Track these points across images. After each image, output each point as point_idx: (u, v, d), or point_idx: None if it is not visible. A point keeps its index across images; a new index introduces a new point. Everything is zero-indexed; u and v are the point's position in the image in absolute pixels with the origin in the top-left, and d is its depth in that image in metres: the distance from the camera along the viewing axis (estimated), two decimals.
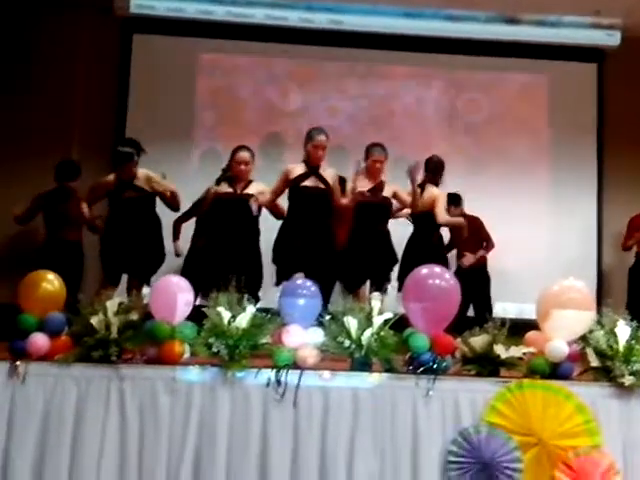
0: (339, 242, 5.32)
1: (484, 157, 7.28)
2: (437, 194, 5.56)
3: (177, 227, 6.16)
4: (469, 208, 6.40)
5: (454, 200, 6.08)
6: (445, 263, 5.38)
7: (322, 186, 5.15)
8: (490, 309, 6.13)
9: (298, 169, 5.20)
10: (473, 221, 6.34)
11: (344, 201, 5.24)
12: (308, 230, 5.05)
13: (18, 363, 3.46)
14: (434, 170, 5.66)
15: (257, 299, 4.67)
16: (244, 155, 5.29)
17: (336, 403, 3.42)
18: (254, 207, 5.16)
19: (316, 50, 7.24)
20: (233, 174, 5.29)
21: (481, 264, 6.38)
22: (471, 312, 6.07)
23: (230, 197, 5.24)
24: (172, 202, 5.39)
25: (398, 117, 7.27)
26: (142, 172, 5.32)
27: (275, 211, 5.40)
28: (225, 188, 5.28)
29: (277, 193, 5.28)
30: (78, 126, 6.97)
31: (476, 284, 6.13)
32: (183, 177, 6.45)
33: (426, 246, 5.52)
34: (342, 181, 5.38)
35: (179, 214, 5.91)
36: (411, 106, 7.32)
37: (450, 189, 5.93)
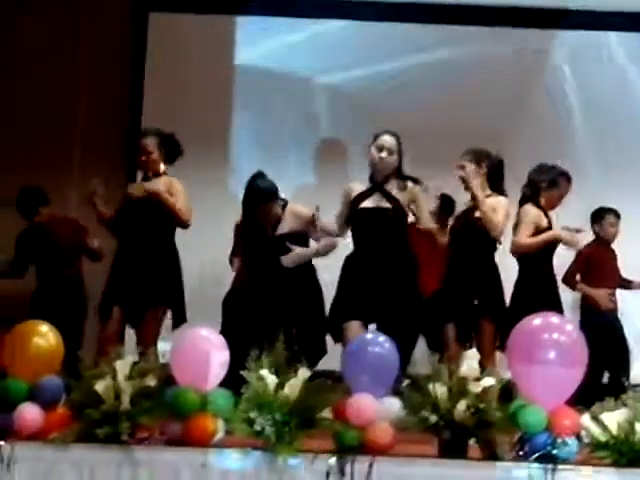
0: (428, 283, 5.26)
1: None
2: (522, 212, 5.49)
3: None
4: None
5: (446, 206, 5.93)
6: (560, 308, 5.28)
7: (386, 205, 5.11)
8: (628, 372, 5.96)
9: (358, 187, 5.21)
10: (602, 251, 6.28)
11: (426, 225, 5.21)
12: (373, 265, 5.01)
13: (2, 444, 3.47)
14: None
15: (314, 360, 4.69)
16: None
17: None
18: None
19: None
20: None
21: (611, 310, 6.24)
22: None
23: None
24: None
25: None
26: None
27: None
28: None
29: (341, 219, 5.29)
30: (82, 125, 7.15)
31: (607, 338, 6.00)
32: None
33: (535, 286, 5.43)
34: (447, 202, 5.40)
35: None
36: None
37: None
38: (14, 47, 7.02)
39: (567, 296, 6.13)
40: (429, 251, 5.50)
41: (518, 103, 7.30)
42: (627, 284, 6.45)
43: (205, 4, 7.36)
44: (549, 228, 5.54)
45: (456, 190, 5.60)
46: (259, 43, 7.43)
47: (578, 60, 7.35)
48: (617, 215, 6.27)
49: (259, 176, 5.48)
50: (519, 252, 5.43)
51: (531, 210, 5.50)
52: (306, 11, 7.34)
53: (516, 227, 5.50)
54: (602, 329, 6.02)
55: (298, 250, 5.33)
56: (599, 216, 6.28)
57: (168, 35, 7.40)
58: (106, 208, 5.49)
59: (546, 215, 5.57)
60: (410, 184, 5.18)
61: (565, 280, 6.12)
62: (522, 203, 5.59)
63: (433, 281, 5.37)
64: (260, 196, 5.38)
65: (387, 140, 5.16)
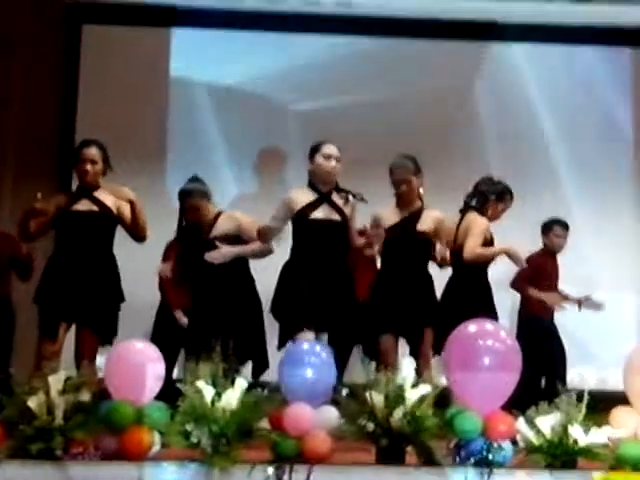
0: (360, 292, 5.28)
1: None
2: (473, 221, 5.57)
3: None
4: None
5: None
6: (495, 316, 5.33)
7: (336, 218, 5.11)
8: (564, 377, 6.05)
9: (302, 196, 5.17)
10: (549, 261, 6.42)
11: (357, 243, 5.23)
12: (318, 274, 5.02)
13: None
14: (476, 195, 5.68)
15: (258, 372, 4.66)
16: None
17: None
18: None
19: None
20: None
21: (548, 317, 6.35)
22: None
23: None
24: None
25: None
26: None
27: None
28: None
29: (277, 229, 5.26)
30: (14, 137, 7.05)
31: (545, 344, 6.14)
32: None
33: (470, 293, 5.48)
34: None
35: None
36: None
37: None
38: None
39: (505, 303, 6.23)
40: (359, 261, 5.54)
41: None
42: (563, 296, 6.49)
43: (138, 17, 7.34)
44: (491, 241, 5.61)
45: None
46: (194, 55, 7.43)
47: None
48: (565, 226, 6.42)
49: (192, 178, 5.53)
50: (472, 261, 5.48)
51: (482, 221, 5.56)
52: (240, 23, 7.37)
53: (461, 234, 5.55)
54: (539, 335, 6.14)
55: (225, 248, 5.32)
56: (547, 227, 6.43)
57: (102, 47, 7.35)
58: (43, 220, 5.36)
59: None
60: (351, 198, 5.17)
61: (514, 285, 6.25)
62: (464, 212, 5.64)
63: (363, 291, 5.38)
64: (189, 193, 5.42)
65: (333, 149, 5.13)
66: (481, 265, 5.53)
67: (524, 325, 6.20)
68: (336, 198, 5.14)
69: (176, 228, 5.57)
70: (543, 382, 6.08)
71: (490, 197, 5.67)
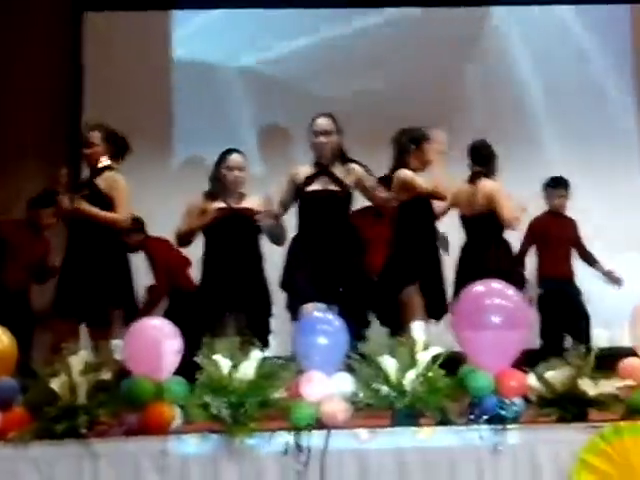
0: (375, 259, 5.35)
1: None
2: (493, 188, 5.61)
3: None
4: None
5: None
6: (521, 283, 5.41)
7: (334, 188, 5.18)
8: (588, 337, 6.09)
9: (303, 170, 5.25)
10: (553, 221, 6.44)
11: (380, 196, 5.27)
12: (322, 246, 5.08)
13: None
14: (482, 160, 5.73)
15: (266, 343, 4.73)
16: (237, 159, 5.34)
17: (377, 469, 3.45)
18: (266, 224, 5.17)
19: None
20: (223, 184, 5.32)
21: (568, 278, 6.40)
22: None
23: (225, 215, 5.26)
24: None
25: None
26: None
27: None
28: (216, 203, 5.30)
29: (285, 205, 5.32)
30: (20, 124, 7.12)
31: (565, 304, 6.27)
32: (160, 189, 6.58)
33: (486, 259, 5.55)
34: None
35: None
36: None
37: None
38: None
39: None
40: (377, 230, 5.61)
41: (460, 77, 7.44)
42: (592, 262, 6.57)
43: (139, 1, 7.39)
44: None
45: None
46: (196, 36, 7.48)
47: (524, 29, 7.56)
48: (566, 185, 6.41)
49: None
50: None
51: (499, 184, 5.65)
52: (242, 2, 7.41)
53: (487, 201, 5.62)
54: (559, 296, 6.20)
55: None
56: (548, 187, 6.43)
57: (104, 33, 7.42)
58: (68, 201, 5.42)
59: None
60: (353, 166, 5.24)
61: (518, 256, 6.26)
62: (475, 178, 5.70)
63: (380, 259, 5.45)
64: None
65: (322, 123, 5.21)
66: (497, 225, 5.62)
67: (543, 287, 6.28)
68: (337, 170, 5.20)
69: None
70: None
71: (493, 159, 5.74)
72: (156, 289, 6.50)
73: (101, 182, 5.30)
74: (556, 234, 6.38)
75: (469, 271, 5.45)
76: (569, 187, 6.43)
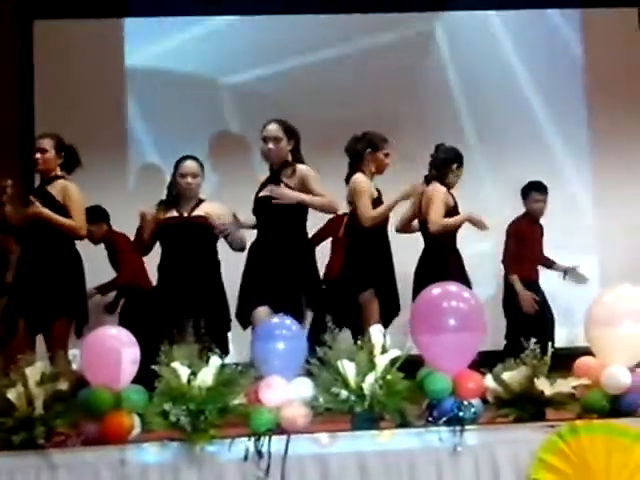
0: (334, 264, 5.41)
1: None
2: (432, 192, 5.65)
3: None
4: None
5: None
6: (467, 282, 5.43)
7: None
8: (552, 339, 6.12)
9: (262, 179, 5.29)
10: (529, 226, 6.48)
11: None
12: (274, 252, 5.09)
13: None
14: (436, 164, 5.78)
15: (225, 350, 4.73)
16: (189, 166, 5.34)
17: (338, 473, 3.46)
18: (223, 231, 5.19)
19: None
20: (177, 191, 5.33)
21: (534, 282, 6.42)
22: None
23: (176, 222, 5.26)
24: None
25: None
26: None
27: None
28: (168, 212, 5.30)
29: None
30: None
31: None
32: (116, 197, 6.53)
33: (443, 262, 5.58)
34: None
35: None
36: None
37: None
38: None
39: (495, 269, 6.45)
40: (337, 234, 5.67)
41: (409, 87, 7.49)
42: (550, 264, 6.62)
43: (90, 9, 7.33)
44: (455, 206, 5.71)
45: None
46: (148, 43, 7.45)
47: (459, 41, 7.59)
48: (544, 190, 6.41)
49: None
50: (438, 232, 5.58)
51: (441, 189, 5.66)
52: (194, 9, 7.40)
53: (426, 206, 5.64)
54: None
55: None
56: (526, 192, 6.43)
57: (55, 42, 7.36)
58: (13, 210, 5.36)
59: (450, 194, 5.75)
60: (300, 166, 5.18)
61: (504, 262, 6.34)
62: (427, 181, 5.74)
63: (338, 263, 5.49)
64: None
65: (271, 130, 5.18)
66: (449, 234, 5.65)
67: (510, 291, 6.30)
68: (284, 175, 5.19)
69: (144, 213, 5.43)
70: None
71: (452, 166, 5.77)
72: (117, 280, 6.45)
73: (53, 190, 5.26)
74: (531, 237, 6.43)
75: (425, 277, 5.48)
76: (547, 192, 6.43)
